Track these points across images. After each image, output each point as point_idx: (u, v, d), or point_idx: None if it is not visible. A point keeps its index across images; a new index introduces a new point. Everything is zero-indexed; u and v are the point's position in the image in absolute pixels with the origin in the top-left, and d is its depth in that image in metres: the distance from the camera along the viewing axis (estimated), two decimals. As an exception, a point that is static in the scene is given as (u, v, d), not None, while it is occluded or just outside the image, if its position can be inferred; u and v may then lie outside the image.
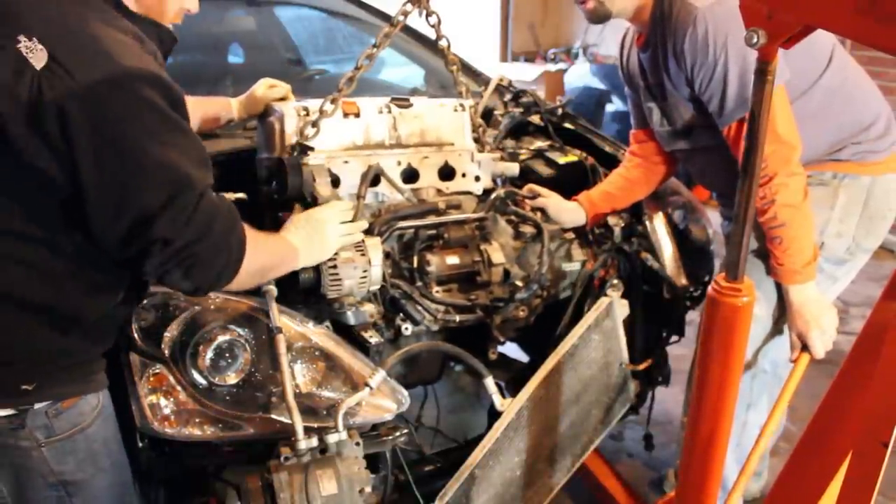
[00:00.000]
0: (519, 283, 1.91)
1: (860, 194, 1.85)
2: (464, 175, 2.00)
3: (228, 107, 1.92)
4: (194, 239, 1.13)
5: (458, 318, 1.85)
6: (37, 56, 1.03)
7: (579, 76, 6.54)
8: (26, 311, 1.17)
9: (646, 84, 1.99)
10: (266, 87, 1.91)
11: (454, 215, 1.92)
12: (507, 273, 1.91)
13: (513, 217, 2.04)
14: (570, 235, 2.11)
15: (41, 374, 1.21)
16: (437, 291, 1.88)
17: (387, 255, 1.85)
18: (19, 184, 1.09)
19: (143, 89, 1.08)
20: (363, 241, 1.68)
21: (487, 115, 2.39)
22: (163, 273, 1.16)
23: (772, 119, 1.66)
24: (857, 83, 1.88)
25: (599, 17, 1.85)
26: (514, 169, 2.07)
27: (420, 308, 1.79)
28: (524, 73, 6.84)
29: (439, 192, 1.97)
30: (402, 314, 1.78)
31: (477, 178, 2.03)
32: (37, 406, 1.21)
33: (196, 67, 2.68)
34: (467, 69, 2.74)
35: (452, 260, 1.88)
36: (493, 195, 2.00)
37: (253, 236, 1.29)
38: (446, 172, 1.99)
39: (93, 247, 1.16)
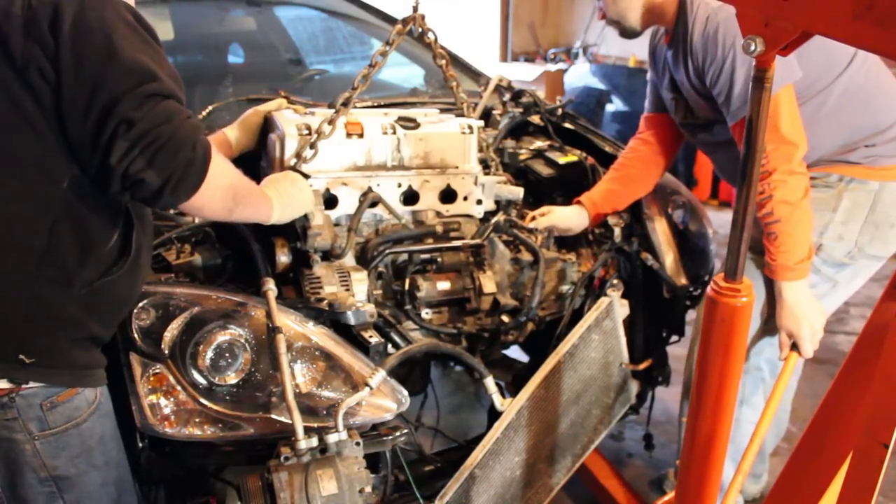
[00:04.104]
0: (506, 319, 1.91)
1: (866, 199, 1.84)
2: (465, 198, 1.98)
3: (228, 145, 1.85)
4: (157, 124, 1.15)
5: None
6: None
7: (579, 76, 6.55)
8: (20, 254, 1.18)
9: (670, 77, 2.02)
10: (253, 114, 1.87)
11: (448, 242, 1.91)
12: (496, 302, 1.91)
13: (512, 240, 2.02)
14: (571, 258, 2.11)
15: (40, 346, 1.22)
16: (426, 313, 1.88)
17: (379, 276, 1.85)
18: (21, 105, 1.15)
19: (123, 11, 1.18)
20: (349, 274, 1.69)
21: (487, 115, 2.39)
22: (129, 163, 1.15)
23: (775, 117, 1.67)
24: (881, 84, 1.88)
25: (628, 36, 1.97)
26: (517, 193, 2.05)
27: (402, 336, 1.78)
28: (524, 73, 6.84)
29: (439, 214, 1.96)
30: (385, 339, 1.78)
31: (479, 202, 2.00)
32: (32, 385, 1.22)
33: (196, 67, 2.67)
34: (467, 69, 2.74)
35: (443, 285, 1.88)
36: (492, 221, 1.98)
37: (221, 155, 1.30)
38: (447, 195, 1.97)
39: (85, 179, 1.19)
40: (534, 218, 2.09)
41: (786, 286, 1.77)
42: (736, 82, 1.73)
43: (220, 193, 1.30)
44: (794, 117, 1.71)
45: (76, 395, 1.28)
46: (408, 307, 1.84)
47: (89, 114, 1.13)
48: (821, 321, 1.78)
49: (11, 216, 1.18)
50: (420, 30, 1.93)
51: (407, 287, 1.84)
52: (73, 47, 1.12)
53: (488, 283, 1.89)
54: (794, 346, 1.80)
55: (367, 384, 1.50)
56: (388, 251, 1.83)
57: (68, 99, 1.14)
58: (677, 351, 2.24)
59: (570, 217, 2.10)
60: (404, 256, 1.88)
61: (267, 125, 1.87)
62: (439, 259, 1.90)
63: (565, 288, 2.07)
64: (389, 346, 1.74)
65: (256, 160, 1.90)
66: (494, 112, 2.41)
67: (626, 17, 1.92)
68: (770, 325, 1.90)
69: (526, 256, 1.99)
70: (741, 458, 1.67)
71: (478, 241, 1.94)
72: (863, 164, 1.83)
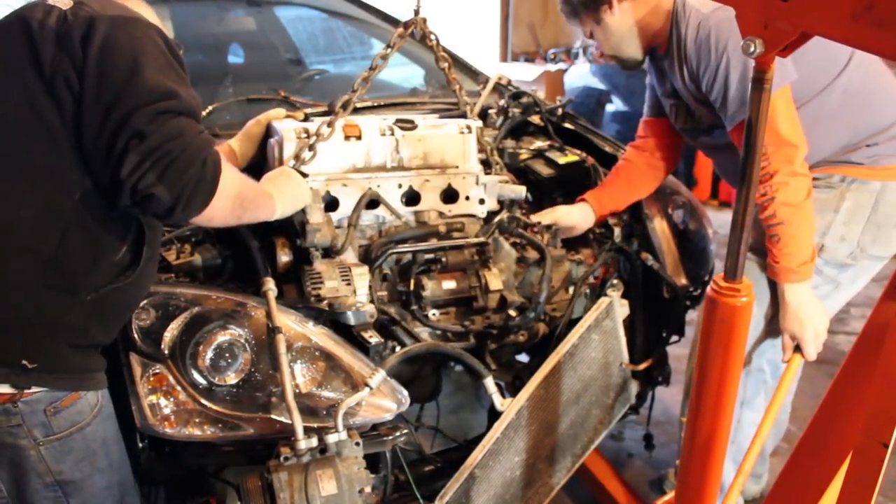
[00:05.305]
0: (513, 313, 1.89)
1: (868, 199, 1.83)
2: (467, 198, 1.97)
3: (234, 157, 1.85)
4: (168, 139, 1.16)
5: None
6: (63, 2, 1.21)
7: (579, 76, 6.54)
8: (27, 259, 1.19)
9: (669, 84, 2.02)
10: (255, 124, 1.87)
11: (452, 240, 1.90)
12: (503, 300, 1.90)
13: (518, 240, 2.01)
14: (580, 257, 2.10)
15: (42, 351, 1.22)
16: (433, 313, 1.87)
17: (384, 277, 1.85)
18: (43, 114, 1.17)
19: (153, 34, 1.22)
20: (349, 269, 1.68)
21: (484, 114, 2.39)
22: (139, 177, 1.15)
23: (773, 119, 1.67)
24: (880, 84, 1.87)
25: (630, 67, 2.03)
26: (520, 192, 2.04)
27: (409, 335, 1.78)
28: (524, 73, 6.84)
29: (441, 214, 1.94)
30: (391, 339, 1.78)
31: (481, 201, 1.99)
32: (35, 390, 1.22)
33: (196, 67, 2.66)
34: (466, 69, 2.73)
35: (449, 284, 1.87)
36: (496, 219, 1.97)
37: (229, 164, 1.32)
38: (449, 195, 1.96)
39: (97, 192, 1.21)
40: (538, 223, 2.08)
41: (789, 288, 1.77)
42: (730, 86, 1.73)
43: (230, 203, 1.32)
44: (793, 118, 1.71)
45: (79, 400, 1.28)
46: (414, 308, 1.83)
47: (105, 126, 1.15)
48: (824, 323, 1.77)
49: (22, 221, 1.19)
50: (422, 33, 1.93)
51: (412, 287, 1.83)
52: (100, 61, 1.15)
53: (494, 280, 1.88)
54: (798, 349, 1.79)
55: (366, 384, 1.50)
56: (391, 250, 1.83)
57: (87, 110, 1.16)
58: (677, 351, 2.24)
59: (573, 214, 2.10)
60: (408, 257, 1.87)
61: (268, 132, 1.87)
62: (444, 259, 1.89)
63: (573, 288, 2.06)
64: (397, 346, 1.74)
65: (259, 169, 1.90)
66: (490, 111, 2.41)
67: (623, 49, 1.95)
68: (773, 327, 1.89)
69: (532, 255, 1.98)
70: (742, 460, 1.67)
71: (482, 238, 1.93)
72: (865, 165, 1.83)
